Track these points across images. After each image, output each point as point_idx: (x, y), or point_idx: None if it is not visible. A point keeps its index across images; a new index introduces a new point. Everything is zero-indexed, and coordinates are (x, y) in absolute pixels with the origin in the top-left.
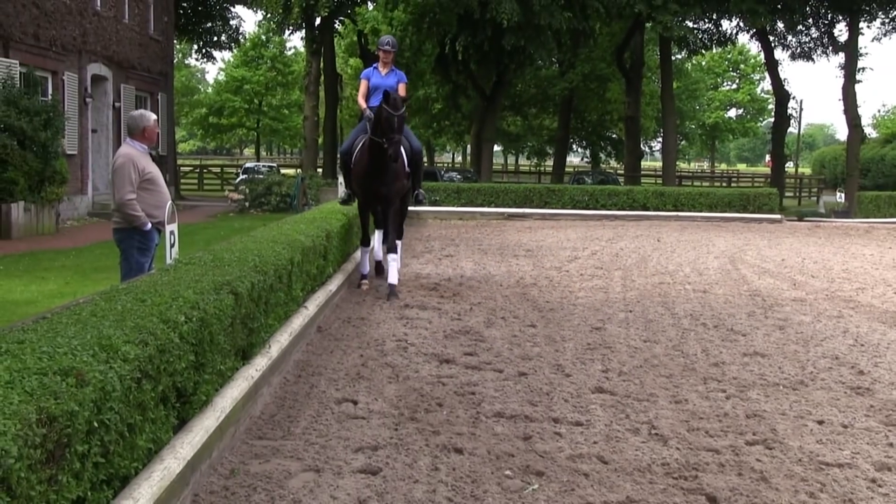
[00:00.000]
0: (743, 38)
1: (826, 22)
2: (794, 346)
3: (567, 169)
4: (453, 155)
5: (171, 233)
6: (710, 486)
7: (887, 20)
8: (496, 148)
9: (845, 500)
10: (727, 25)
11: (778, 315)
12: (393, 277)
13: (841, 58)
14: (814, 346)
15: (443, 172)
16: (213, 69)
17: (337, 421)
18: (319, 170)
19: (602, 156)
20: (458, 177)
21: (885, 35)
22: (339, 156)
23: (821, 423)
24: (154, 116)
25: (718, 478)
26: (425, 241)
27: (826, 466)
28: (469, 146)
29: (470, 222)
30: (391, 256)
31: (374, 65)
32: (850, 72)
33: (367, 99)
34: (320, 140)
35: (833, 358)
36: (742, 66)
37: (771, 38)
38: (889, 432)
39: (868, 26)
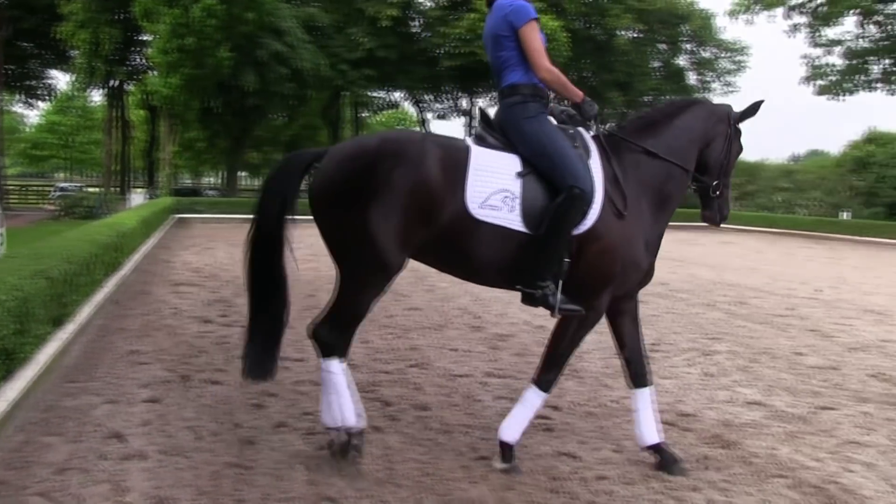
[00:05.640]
0: (406, 104)
1: (456, 96)
2: (438, 302)
3: None
4: (212, 178)
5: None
6: (385, 395)
7: (489, 98)
8: (243, 173)
9: (467, 396)
10: (396, 96)
11: (428, 283)
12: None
13: (465, 119)
14: (450, 302)
15: (204, 190)
16: (33, 114)
17: (128, 366)
18: (113, 188)
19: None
20: (216, 193)
21: (489, 106)
22: (575, 196)
23: (454, 350)
24: None
25: (390, 389)
26: (192, 238)
27: (456, 377)
28: (224, 172)
29: (225, 225)
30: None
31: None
32: (471, 128)
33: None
34: (115, 167)
35: (461, 309)
36: (405, 121)
37: (422, 105)
38: (493, 354)
39: (481, 100)
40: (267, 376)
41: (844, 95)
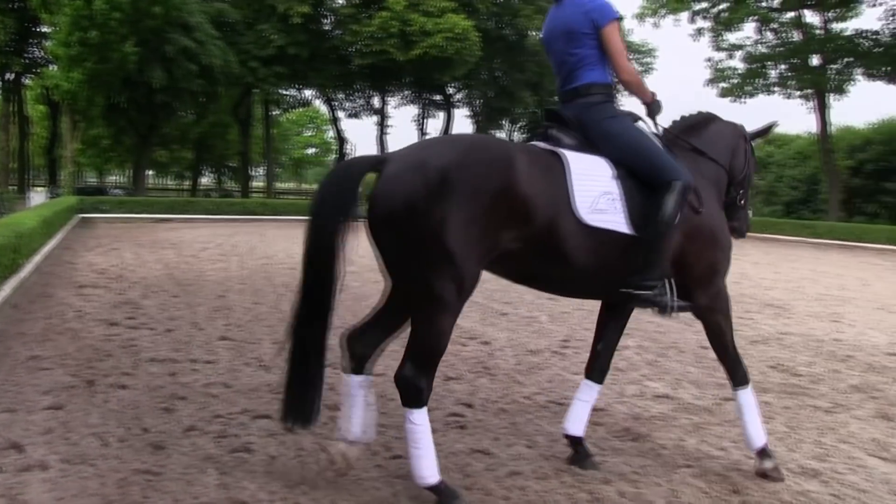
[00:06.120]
0: (317, 102)
1: (367, 95)
2: (350, 301)
3: (200, 187)
4: (118, 176)
5: None
6: None
7: (401, 97)
8: (150, 172)
9: (381, 395)
10: (307, 94)
11: (340, 282)
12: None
13: (376, 118)
14: (362, 301)
15: (110, 189)
16: None
17: (28, 372)
18: (11, 186)
19: (224, 178)
20: (122, 192)
21: (401, 105)
22: (678, 189)
23: None
24: None
25: None
26: (97, 238)
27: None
28: (130, 171)
29: (131, 225)
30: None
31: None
32: (383, 126)
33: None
34: (13, 164)
35: (373, 308)
36: (317, 120)
37: (334, 103)
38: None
39: (392, 98)
40: (307, 423)
41: (745, 98)
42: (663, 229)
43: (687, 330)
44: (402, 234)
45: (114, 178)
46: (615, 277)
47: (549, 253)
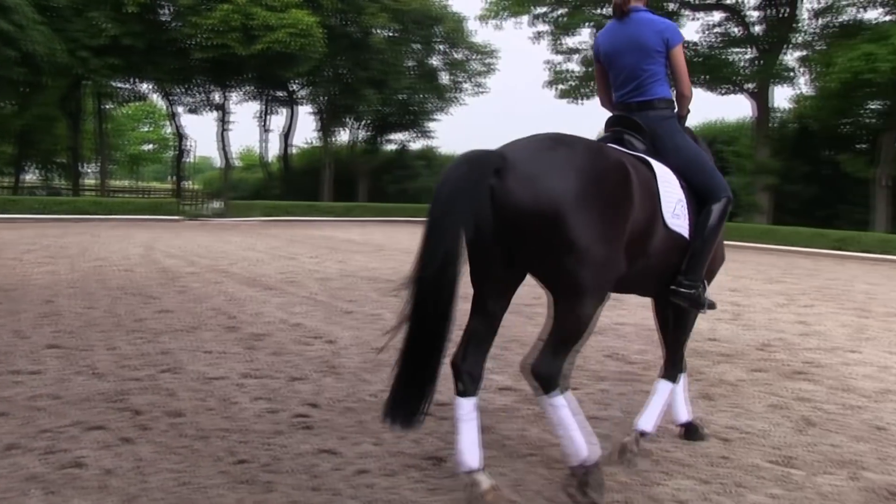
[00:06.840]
0: (154, 97)
1: (208, 90)
2: (190, 303)
3: (24, 185)
4: None
5: None
6: (135, 403)
7: (243, 93)
8: None
9: (223, 399)
10: (144, 87)
11: (180, 283)
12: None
13: (217, 114)
14: (203, 303)
15: None
16: None
17: None
18: None
19: (52, 175)
20: None
21: (243, 101)
22: (728, 203)
23: (208, 352)
24: None
25: (141, 397)
26: None
27: (211, 380)
28: None
29: None
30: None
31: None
32: (223, 123)
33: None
34: None
35: (215, 309)
36: (154, 115)
37: (172, 98)
38: (249, 354)
39: (234, 94)
40: (410, 425)
41: (582, 100)
42: (712, 236)
43: (528, 324)
44: (540, 235)
45: None
46: (667, 277)
47: (633, 256)
